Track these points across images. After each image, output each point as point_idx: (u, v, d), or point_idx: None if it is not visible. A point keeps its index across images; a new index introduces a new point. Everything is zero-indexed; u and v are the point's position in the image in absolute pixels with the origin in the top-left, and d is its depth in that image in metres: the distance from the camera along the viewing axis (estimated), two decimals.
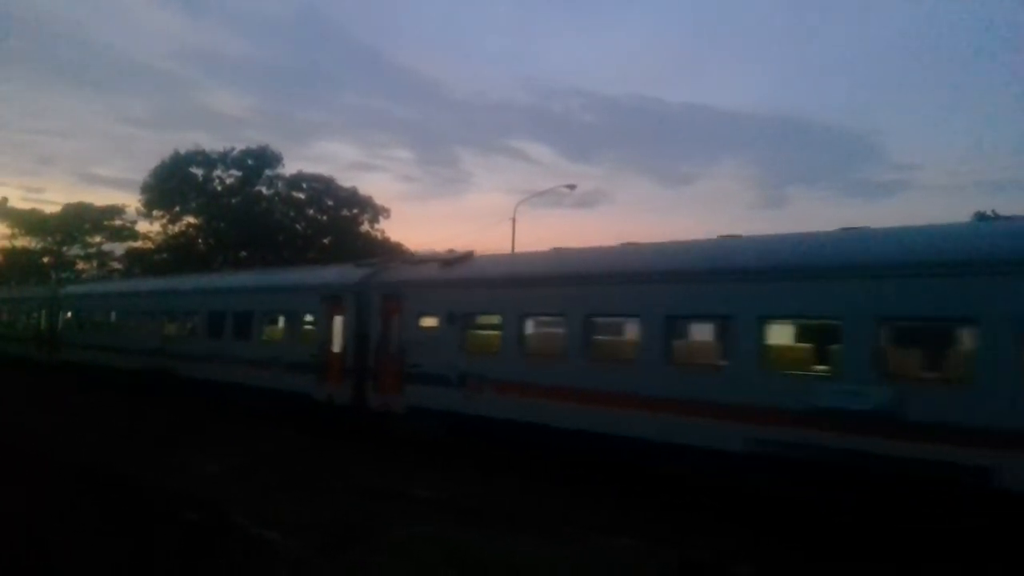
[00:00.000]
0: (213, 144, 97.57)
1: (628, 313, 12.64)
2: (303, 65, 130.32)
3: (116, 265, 64.86)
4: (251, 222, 56.51)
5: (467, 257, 16.83)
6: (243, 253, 56.61)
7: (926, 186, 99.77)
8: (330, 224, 60.43)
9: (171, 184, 57.38)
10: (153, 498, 10.84)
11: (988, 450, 8.58)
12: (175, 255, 56.20)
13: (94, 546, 8.57)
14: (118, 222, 65.40)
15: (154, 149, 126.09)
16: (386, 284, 17.40)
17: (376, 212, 61.57)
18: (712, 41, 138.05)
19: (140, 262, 59.82)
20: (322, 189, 60.31)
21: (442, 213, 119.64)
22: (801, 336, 11.42)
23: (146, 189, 58.32)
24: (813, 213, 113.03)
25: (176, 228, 59.59)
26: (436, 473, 13.54)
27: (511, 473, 13.42)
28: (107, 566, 7.97)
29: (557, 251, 15.13)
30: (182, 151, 58.37)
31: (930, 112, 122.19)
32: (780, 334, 11.16)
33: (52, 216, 66.02)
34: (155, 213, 59.04)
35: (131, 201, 62.40)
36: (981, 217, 42.91)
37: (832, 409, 9.64)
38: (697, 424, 10.99)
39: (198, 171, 58.64)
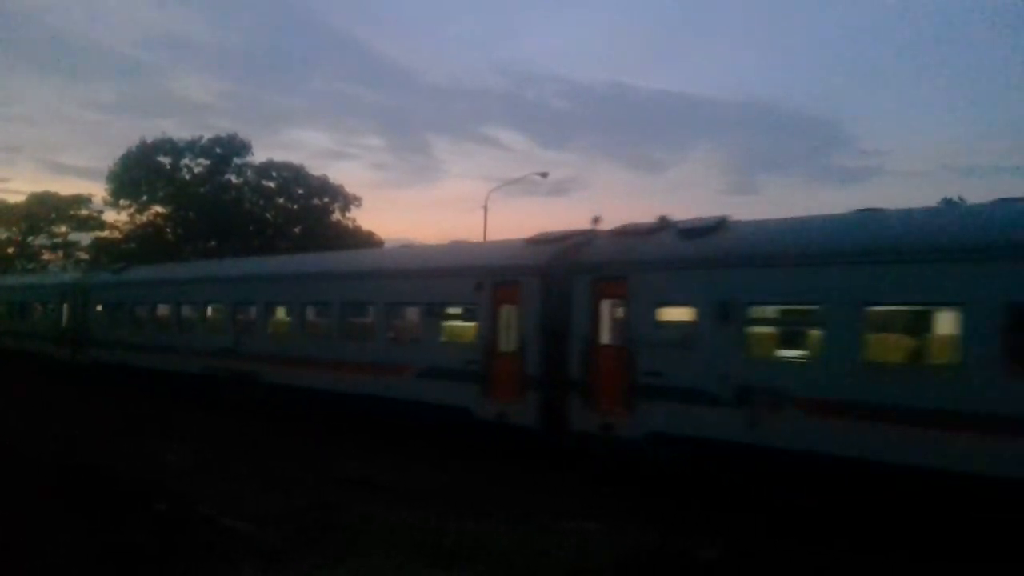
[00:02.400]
0: (183, 131, 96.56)
1: (165, 300, 23.88)
2: (273, 50, 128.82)
3: (83, 255, 63.89)
4: (220, 211, 55.97)
5: (126, 268, 28.67)
6: (212, 243, 56.06)
7: (895, 172, 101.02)
8: (301, 213, 60.06)
9: (138, 173, 56.58)
10: (121, 488, 10.82)
11: (256, 364, 19.13)
12: (143, 245, 55.53)
13: (62, 536, 8.56)
14: (84, 212, 64.40)
15: (123, 137, 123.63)
16: (82, 286, 28.37)
17: (347, 201, 61.31)
18: (686, 28, 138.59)
19: (107, 252, 59.04)
20: (292, 178, 59.86)
21: (415, 201, 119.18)
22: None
23: (112, 178, 57.45)
24: (784, 199, 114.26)
25: (144, 218, 58.85)
26: (404, 461, 13.67)
27: (478, 459, 13.56)
28: (76, 557, 7.97)
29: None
30: (150, 139, 57.61)
31: (900, 98, 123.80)
32: (213, 312, 22.02)
33: (16, 206, 64.89)
34: (122, 202, 58.26)
35: (99, 190, 61.41)
36: (948, 203, 43.51)
37: (224, 348, 20.31)
38: (189, 361, 21.46)
39: (166, 160, 57.87)
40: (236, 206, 57.80)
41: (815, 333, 10.52)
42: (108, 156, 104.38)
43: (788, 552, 8.89)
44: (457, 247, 17.51)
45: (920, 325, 10.28)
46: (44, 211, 64.00)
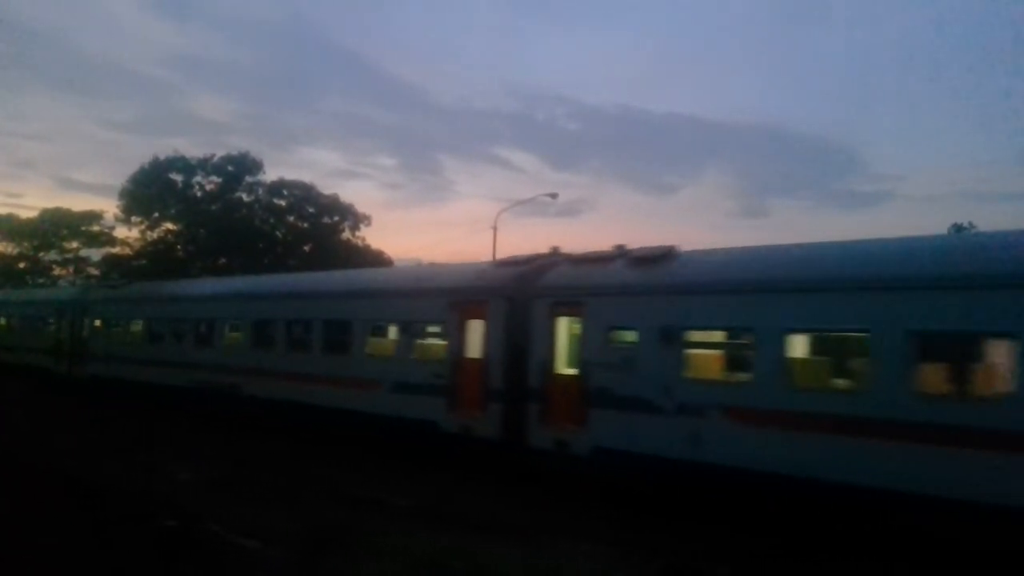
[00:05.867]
0: (196, 149, 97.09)
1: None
2: (287, 71, 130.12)
3: (93, 271, 64.17)
4: (231, 229, 56.21)
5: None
6: (222, 260, 56.29)
7: (908, 197, 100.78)
8: (311, 231, 60.27)
9: (150, 190, 56.95)
10: (129, 504, 10.81)
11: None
12: (154, 261, 55.79)
13: (69, 551, 8.55)
14: (96, 228, 64.77)
15: (136, 154, 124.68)
16: None
17: (357, 219, 61.48)
18: (697, 51, 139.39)
19: (118, 268, 59.30)
20: (302, 196, 60.12)
21: (425, 221, 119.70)
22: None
23: (124, 195, 57.86)
24: (795, 223, 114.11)
25: (155, 234, 59.17)
26: (415, 481, 13.61)
27: (488, 480, 13.49)
28: (83, 572, 7.95)
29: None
30: (163, 157, 58.04)
31: (913, 123, 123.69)
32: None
33: (29, 221, 65.33)
34: (134, 219, 58.60)
35: (111, 207, 61.81)
36: (958, 229, 43.32)
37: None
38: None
39: (178, 177, 58.25)
40: (247, 224, 58.05)
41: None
42: (121, 173, 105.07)
43: (796, 571, 8.82)
44: (56, 289, 37.50)
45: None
46: (56, 227, 64.40)
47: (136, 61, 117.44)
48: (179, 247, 58.66)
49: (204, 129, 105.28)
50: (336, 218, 61.07)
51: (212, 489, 12.45)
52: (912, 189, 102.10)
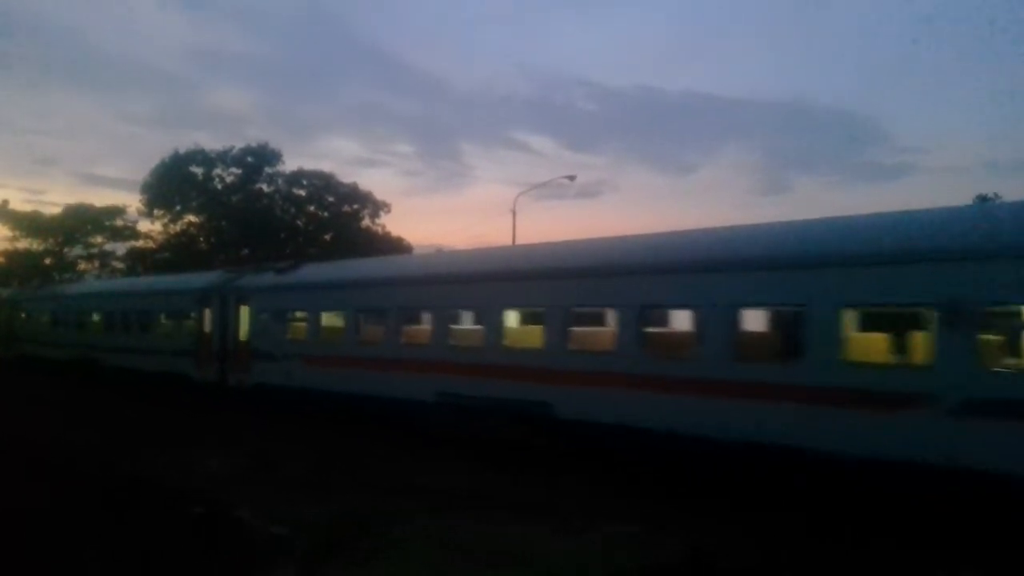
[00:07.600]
0: (216, 142, 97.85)
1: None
2: (305, 61, 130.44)
3: (118, 265, 64.73)
4: (252, 220, 56.51)
5: None
6: (245, 251, 56.58)
7: (932, 169, 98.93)
8: (331, 220, 60.41)
9: (171, 183, 57.33)
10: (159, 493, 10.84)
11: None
12: (177, 254, 56.21)
13: (101, 540, 8.57)
14: (119, 222, 65.21)
15: (157, 148, 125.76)
16: None
17: (377, 207, 61.54)
18: (714, 28, 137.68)
19: (142, 262, 59.81)
20: (322, 186, 60.25)
21: (446, 207, 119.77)
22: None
23: (146, 189, 58.32)
24: (817, 198, 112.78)
25: (177, 227, 59.60)
26: (442, 465, 13.53)
27: (519, 463, 13.39)
28: (114, 560, 7.96)
29: None
30: (183, 150, 58.39)
31: (937, 94, 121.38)
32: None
33: (52, 217, 65.90)
34: (156, 212, 59.06)
35: (134, 201, 62.19)
36: (983, 199, 42.54)
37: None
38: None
39: (198, 170, 58.57)
40: (267, 214, 58.30)
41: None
42: (142, 167, 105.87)
43: (826, 555, 8.64)
44: None
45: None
46: (80, 222, 64.87)
47: (154, 55, 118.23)
48: (201, 239, 59.04)
49: (223, 121, 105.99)
50: (356, 206, 61.16)
51: (238, 477, 12.46)
52: (936, 161, 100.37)
